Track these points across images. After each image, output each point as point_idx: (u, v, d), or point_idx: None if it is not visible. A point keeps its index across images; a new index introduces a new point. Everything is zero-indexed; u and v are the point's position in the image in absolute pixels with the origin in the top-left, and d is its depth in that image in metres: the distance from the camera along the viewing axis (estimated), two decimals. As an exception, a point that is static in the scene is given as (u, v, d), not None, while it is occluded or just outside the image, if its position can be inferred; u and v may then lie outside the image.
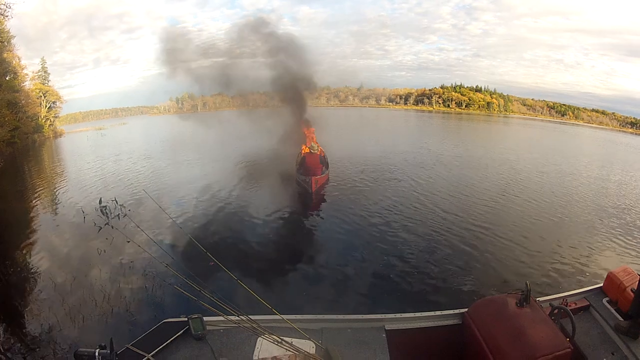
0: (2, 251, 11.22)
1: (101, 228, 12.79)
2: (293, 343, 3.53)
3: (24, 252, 11.37)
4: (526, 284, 3.98)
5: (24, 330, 7.41)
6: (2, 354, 6.54)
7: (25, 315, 7.99)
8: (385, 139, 34.84)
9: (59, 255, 10.98)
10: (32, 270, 10.08)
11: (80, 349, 3.22)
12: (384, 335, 4.08)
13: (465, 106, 76.85)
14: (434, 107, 77.87)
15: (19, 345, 6.93)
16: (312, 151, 17.60)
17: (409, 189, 17.54)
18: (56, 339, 7.03)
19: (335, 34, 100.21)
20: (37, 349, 6.79)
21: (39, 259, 10.76)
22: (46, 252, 11.29)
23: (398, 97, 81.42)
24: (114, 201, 14.93)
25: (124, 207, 14.51)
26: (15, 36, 36.92)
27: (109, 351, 3.22)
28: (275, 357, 3.51)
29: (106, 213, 14.11)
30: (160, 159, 26.26)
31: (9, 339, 7.11)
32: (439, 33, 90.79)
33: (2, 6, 28.59)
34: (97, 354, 3.16)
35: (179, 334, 3.81)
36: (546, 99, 77.65)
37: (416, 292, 8.69)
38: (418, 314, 4.38)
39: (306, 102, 25.97)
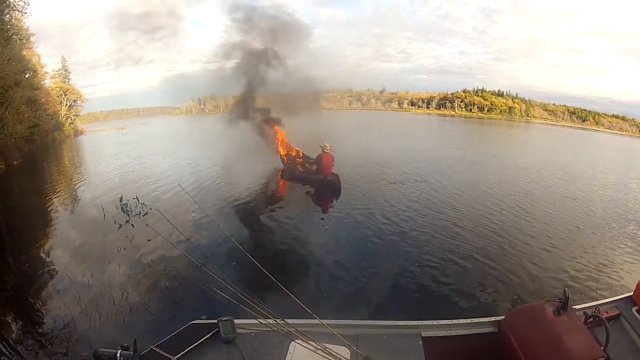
0: (18, 246, 11.32)
1: (121, 225, 12.69)
2: (327, 349, 3.28)
3: (41, 247, 11.36)
4: (564, 291, 3.87)
5: (36, 326, 7.26)
6: (14, 349, 6.42)
7: (39, 311, 7.84)
8: (416, 143, 34.40)
9: (76, 251, 10.87)
10: (48, 266, 9.98)
11: (101, 349, 3.02)
12: (420, 342, 3.89)
13: (487, 111, 76.46)
14: (456, 111, 77.62)
15: (31, 341, 6.78)
16: (325, 151, 17.74)
17: (436, 191, 17.14)
18: (70, 337, 6.85)
19: (357, 35, 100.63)
20: (50, 346, 6.61)
21: (55, 255, 10.68)
22: (63, 247, 11.22)
23: (420, 100, 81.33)
24: (135, 199, 14.72)
25: (145, 205, 14.31)
26: (34, 34, 37.55)
27: (131, 352, 3.01)
28: None
29: (127, 211, 13.99)
30: (181, 157, 26.20)
31: (21, 334, 7.00)
32: (460, 36, 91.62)
33: (21, 2, 28.72)
34: (118, 354, 2.95)
35: (207, 336, 3.58)
36: (567, 104, 77.38)
37: (451, 299, 8.30)
38: (455, 321, 4.21)
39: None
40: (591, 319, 3.91)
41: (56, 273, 9.42)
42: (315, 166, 18.42)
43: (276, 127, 22.28)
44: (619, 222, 14.14)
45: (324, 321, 3.66)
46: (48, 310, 7.80)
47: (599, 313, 4.00)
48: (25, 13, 29.98)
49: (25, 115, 31.04)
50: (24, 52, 35.57)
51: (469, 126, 63.21)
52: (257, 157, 21.65)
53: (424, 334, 4.01)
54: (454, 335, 4.14)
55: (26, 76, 35.15)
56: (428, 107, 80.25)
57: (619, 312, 4.27)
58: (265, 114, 24.01)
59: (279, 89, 26.58)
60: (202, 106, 71.53)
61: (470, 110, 77.20)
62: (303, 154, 21.07)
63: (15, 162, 27.03)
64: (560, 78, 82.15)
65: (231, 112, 26.73)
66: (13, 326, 7.26)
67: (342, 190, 16.44)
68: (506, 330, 4.00)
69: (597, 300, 4.50)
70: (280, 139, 21.50)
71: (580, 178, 22.83)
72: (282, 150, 20.95)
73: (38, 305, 8.08)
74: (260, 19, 27.90)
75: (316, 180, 17.86)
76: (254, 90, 25.72)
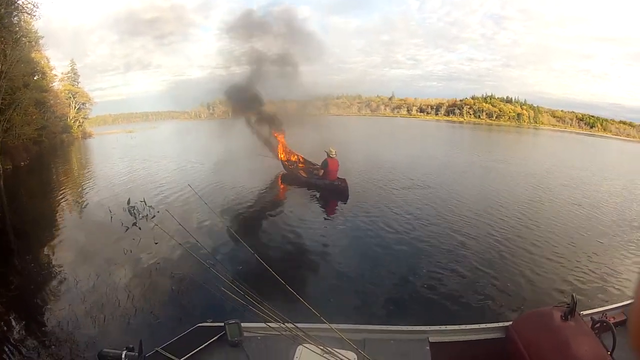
0: (24, 246, 11.33)
1: (128, 228, 12.65)
2: (334, 353, 3.32)
3: (47, 248, 11.37)
4: (572, 296, 3.81)
5: (40, 326, 7.22)
6: (17, 348, 6.40)
7: (43, 311, 7.81)
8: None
9: (82, 252, 10.80)
10: (54, 267, 9.98)
11: (105, 349, 2.93)
12: (427, 347, 3.87)
13: (496, 117, 76.49)
14: (465, 118, 77.70)
15: (34, 340, 6.73)
16: (331, 156, 17.68)
17: (443, 198, 16.92)
18: (74, 338, 6.79)
19: (366, 42, 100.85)
20: (53, 346, 6.56)
21: (61, 256, 10.68)
22: (69, 249, 11.22)
23: (429, 107, 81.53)
24: (143, 202, 14.73)
25: (153, 208, 14.32)
26: (43, 37, 37.78)
27: (137, 353, 2.93)
28: None
29: (134, 213, 13.97)
30: (186, 161, 26.44)
31: (24, 334, 6.95)
32: (469, 42, 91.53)
33: (29, 5, 28.79)
34: (123, 355, 2.87)
35: (213, 339, 3.56)
36: (575, 110, 77.62)
37: (459, 305, 8.15)
38: (462, 327, 4.18)
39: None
40: (598, 324, 3.92)
41: (61, 274, 9.39)
42: (322, 171, 18.30)
43: (279, 134, 22.35)
44: (625, 229, 14.02)
45: (332, 325, 3.64)
46: (52, 310, 7.77)
47: (606, 318, 4.01)
48: (35, 16, 30.10)
49: (33, 117, 31.31)
50: (33, 55, 35.81)
51: (477, 133, 63.41)
52: (260, 162, 21.81)
53: (431, 339, 4.00)
54: (461, 341, 4.14)
55: (35, 78, 35.38)
56: (437, 114, 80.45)
57: (625, 317, 4.28)
58: (269, 120, 24.00)
59: (287, 95, 26.71)
60: (211, 111, 71.44)
61: (479, 116, 77.25)
62: (304, 158, 21.25)
63: (22, 163, 27.36)
64: (568, 84, 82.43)
65: (234, 117, 27.09)
66: (16, 326, 7.23)
67: (349, 195, 16.31)
68: (513, 336, 3.99)
69: (604, 305, 4.51)
70: (281, 144, 21.68)
71: (586, 184, 22.79)
72: (283, 155, 21.21)
73: (42, 305, 8.06)
74: (269, 27, 28.12)
75: (322, 185, 17.81)
76: (261, 96, 25.65)
